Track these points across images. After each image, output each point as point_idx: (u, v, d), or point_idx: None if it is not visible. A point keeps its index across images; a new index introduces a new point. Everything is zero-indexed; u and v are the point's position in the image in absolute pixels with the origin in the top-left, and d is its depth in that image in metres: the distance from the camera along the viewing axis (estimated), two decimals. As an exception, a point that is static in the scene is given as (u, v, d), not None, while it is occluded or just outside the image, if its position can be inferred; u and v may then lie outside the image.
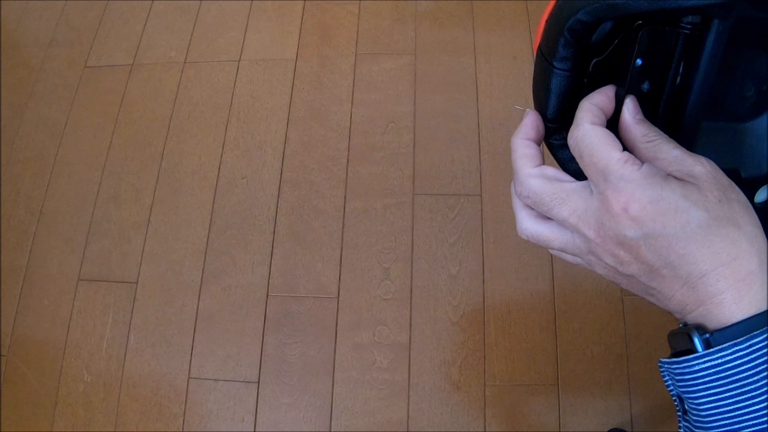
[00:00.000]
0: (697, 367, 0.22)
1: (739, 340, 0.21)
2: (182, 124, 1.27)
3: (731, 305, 0.22)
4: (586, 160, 0.25)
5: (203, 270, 1.13)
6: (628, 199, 0.23)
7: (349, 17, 1.35)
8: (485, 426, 0.99)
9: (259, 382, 1.04)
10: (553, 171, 0.27)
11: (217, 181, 1.20)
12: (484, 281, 1.08)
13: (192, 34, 1.37)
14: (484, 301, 1.06)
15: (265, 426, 1.01)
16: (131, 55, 1.36)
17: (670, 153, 0.24)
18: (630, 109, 0.26)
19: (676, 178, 0.24)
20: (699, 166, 0.24)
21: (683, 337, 0.23)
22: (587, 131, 0.25)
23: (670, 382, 0.25)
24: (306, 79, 1.29)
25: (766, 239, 0.23)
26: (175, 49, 1.35)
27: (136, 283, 1.13)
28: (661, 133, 0.26)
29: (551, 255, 1.09)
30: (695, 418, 0.23)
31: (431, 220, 1.13)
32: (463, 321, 1.05)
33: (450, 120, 1.21)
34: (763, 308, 0.21)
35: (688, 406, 0.24)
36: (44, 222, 1.21)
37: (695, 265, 0.22)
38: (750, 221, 0.23)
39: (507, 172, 1.15)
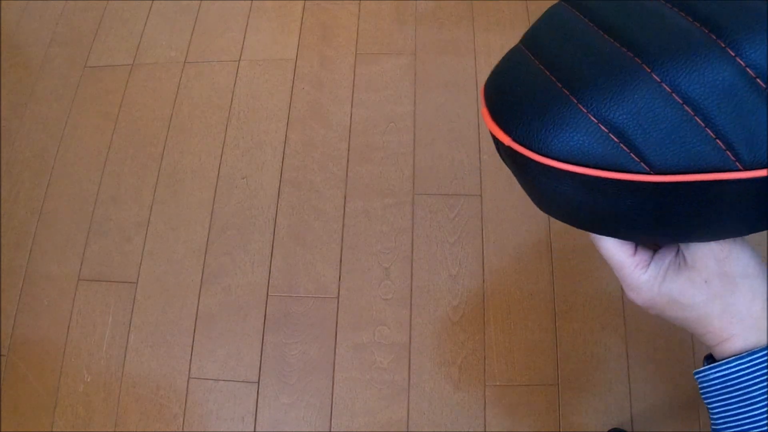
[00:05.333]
0: (711, 377, 0.28)
1: (741, 354, 0.26)
2: (182, 123, 1.27)
3: (721, 353, 0.29)
4: (605, 256, 0.32)
5: (203, 270, 1.13)
6: (636, 296, 0.31)
7: (349, 17, 1.35)
8: (485, 426, 0.99)
9: (259, 382, 1.04)
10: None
11: (217, 181, 1.20)
12: (484, 281, 1.08)
13: (192, 34, 1.37)
14: (484, 301, 1.06)
15: (265, 426, 1.01)
16: (131, 55, 1.36)
17: None
18: None
19: (680, 264, 0.30)
20: (700, 250, 0.29)
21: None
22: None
23: (701, 392, 0.30)
24: (306, 79, 1.29)
25: (748, 298, 0.28)
26: (175, 49, 1.35)
27: (136, 283, 1.13)
28: None
29: (551, 255, 1.09)
30: (712, 423, 0.28)
31: (431, 220, 1.13)
32: (463, 321, 1.05)
33: (450, 120, 1.21)
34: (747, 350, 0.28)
35: (710, 413, 0.29)
36: (44, 222, 1.21)
37: (693, 329, 0.30)
38: (737, 290, 0.28)
39: (507, 172, 1.15)
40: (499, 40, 1.29)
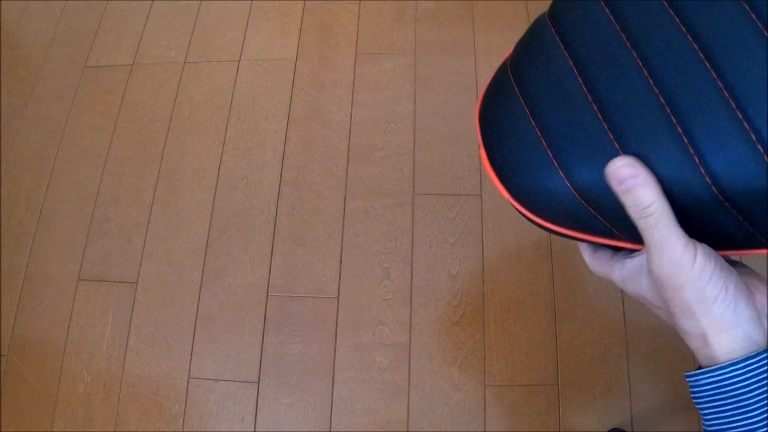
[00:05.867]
0: (702, 382, 0.27)
1: (737, 359, 0.25)
2: (182, 124, 1.27)
3: (703, 359, 0.28)
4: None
5: (203, 270, 1.13)
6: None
7: (349, 17, 1.35)
8: (485, 426, 0.99)
9: (259, 382, 1.04)
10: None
11: (217, 181, 1.20)
12: (484, 281, 1.08)
13: (192, 34, 1.37)
14: (484, 301, 1.06)
15: (265, 426, 1.01)
16: (131, 55, 1.36)
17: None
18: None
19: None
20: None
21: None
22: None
23: (692, 395, 0.29)
24: (306, 79, 1.29)
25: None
26: (175, 49, 1.35)
27: (136, 283, 1.13)
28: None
29: (551, 255, 1.09)
30: (705, 426, 0.28)
31: (431, 220, 1.13)
32: (463, 321, 1.05)
33: (450, 120, 1.21)
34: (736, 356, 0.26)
35: (702, 416, 0.28)
36: (44, 222, 1.21)
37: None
38: (693, 317, 0.27)
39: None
40: (499, 40, 1.29)
